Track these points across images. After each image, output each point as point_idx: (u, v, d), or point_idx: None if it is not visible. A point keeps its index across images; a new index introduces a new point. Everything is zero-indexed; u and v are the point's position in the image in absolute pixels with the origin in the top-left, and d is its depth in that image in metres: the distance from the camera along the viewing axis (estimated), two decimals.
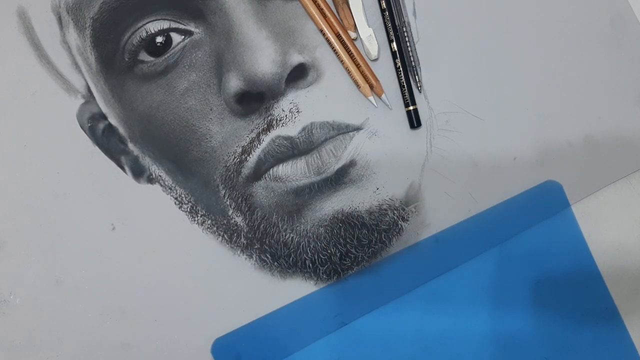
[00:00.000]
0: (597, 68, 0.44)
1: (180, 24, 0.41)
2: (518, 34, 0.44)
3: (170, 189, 0.43)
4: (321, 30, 0.42)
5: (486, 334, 0.42)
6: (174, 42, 0.41)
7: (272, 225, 0.42)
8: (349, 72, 0.42)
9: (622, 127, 0.44)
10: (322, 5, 0.42)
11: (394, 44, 0.43)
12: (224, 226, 0.42)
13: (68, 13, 0.42)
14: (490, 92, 0.43)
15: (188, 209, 0.43)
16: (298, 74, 0.42)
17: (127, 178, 0.43)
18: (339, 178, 0.42)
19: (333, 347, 0.42)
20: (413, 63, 0.43)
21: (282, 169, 0.42)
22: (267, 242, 0.42)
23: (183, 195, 0.43)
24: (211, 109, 0.42)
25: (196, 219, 0.43)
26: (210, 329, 0.42)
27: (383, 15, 0.43)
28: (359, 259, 0.42)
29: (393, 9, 0.43)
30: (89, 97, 0.43)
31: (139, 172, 0.43)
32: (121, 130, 0.43)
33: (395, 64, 0.43)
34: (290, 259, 0.42)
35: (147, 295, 0.42)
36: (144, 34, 0.41)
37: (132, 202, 0.43)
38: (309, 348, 0.42)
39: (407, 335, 0.42)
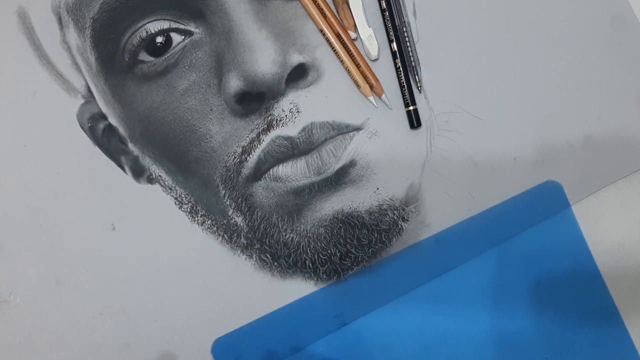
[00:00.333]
0: (597, 68, 0.44)
1: (180, 24, 0.41)
2: (518, 34, 0.44)
3: (170, 189, 0.43)
4: (321, 30, 0.42)
5: (486, 334, 0.42)
6: (174, 42, 0.41)
7: (272, 225, 0.42)
8: (349, 72, 0.42)
9: (622, 127, 0.44)
10: (322, 5, 0.42)
11: (394, 44, 0.43)
12: (224, 226, 0.42)
13: (68, 13, 0.42)
14: (490, 92, 0.43)
15: (188, 209, 0.43)
16: (298, 74, 0.42)
17: (127, 178, 0.43)
18: (339, 178, 0.42)
19: (333, 347, 0.42)
20: (413, 63, 0.43)
21: (282, 169, 0.42)
22: (267, 242, 0.42)
23: (183, 196, 0.43)
24: (211, 109, 0.42)
25: (196, 219, 0.43)
26: (210, 329, 0.42)
27: (383, 15, 0.43)
28: (359, 259, 0.42)
29: (393, 9, 0.43)
30: (89, 97, 0.43)
31: (139, 172, 0.43)
32: (121, 130, 0.43)
33: (395, 64, 0.43)
34: (290, 259, 0.42)
35: (147, 295, 0.42)
36: (144, 34, 0.41)
37: (132, 202, 0.43)
38: (309, 348, 0.42)
39: (407, 335, 0.42)
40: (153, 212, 0.43)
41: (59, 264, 0.43)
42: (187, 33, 0.41)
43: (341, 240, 0.42)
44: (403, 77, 0.42)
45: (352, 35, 0.43)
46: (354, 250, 0.42)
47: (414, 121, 0.42)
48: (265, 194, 0.42)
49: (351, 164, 0.42)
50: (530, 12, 0.44)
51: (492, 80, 0.43)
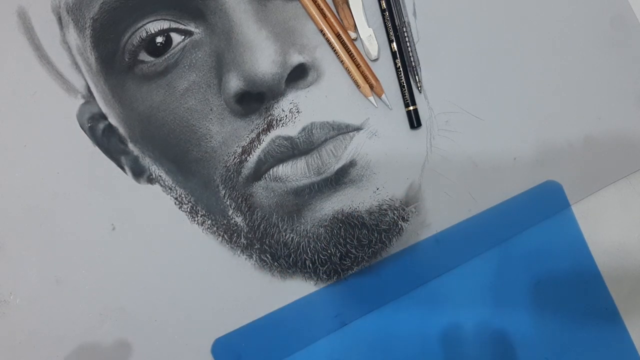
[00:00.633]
0: (597, 68, 0.44)
1: (180, 24, 0.41)
2: (518, 34, 0.44)
3: (170, 189, 0.43)
4: (321, 30, 0.42)
5: (486, 334, 0.42)
6: (174, 42, 0.41)
7: (272, 225, 0.42)
8: (349, 72, 0.42)
9: (622, 127, 0.44)
10: (322, 5, 0.42)
11: (394, 44, 0.43)
12: (224, 226, 0.42)
13: (68, 13, 0.42)
14: (490, 92, 0.43)
15: (188, 209, 0.43)
16: (298, 74, 0.42)
17: (127, 178, 0.43)
18: (339, 178, 0.42)
19: (333, 347, 0.42)
20: (413, 63, 0.43)
21: (282, 169, 0.42)
22: (267, 242, 0.42)
23: (183, 196, 0.43)
24: (211, 109, 0.42)
25: (196, 219, 0.43)
26: (210, 329, 0.42)
27: (383, 15, 0.43)
28: (359, 259, 0.42)
29: (393, 9, 0.43)
30: (89, 97, 0.43)
31: (139, 172, 0.43)
32: (121, 130, 0.43)
33: (395, 64, 0.43)
34: (290, 259, 0.42)
35: (147, 295, 0.42)
36: (144, 34, 0.41)
37: (132, 202, 0.43)
38: (309, 348, 0.42)
39: (407, 335, 0.42)
40: (153, 212, 0.43)
41: (59, 264, 0.43)
42: (187, 33, 0.41)
43: (341, 240, 0.42)
44: (403, 77, 0.42)
45: (352, 35, 0.43)
46: (354, 250, 0.42)
47: (414, 121, 0.42)
48: (265, 194, 0.42)
49: (351, 164, 0.42)
50: (530, 12, 0.44)
51: (492, 80, 0.43)
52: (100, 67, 0.42)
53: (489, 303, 0.43)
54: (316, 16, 0.42)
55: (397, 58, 0.43)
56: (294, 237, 0.42)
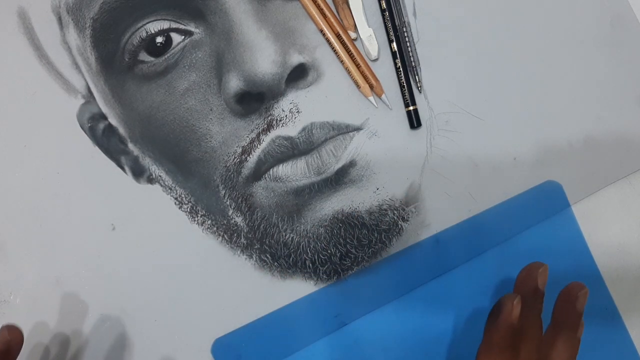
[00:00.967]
0: (597, 68, 0.44)
1: (180, 24, 0.41)
2: (518, 34, 0.44)
3: (170, 189, 0.43)
4: (321, 30, 0.42)
5: None
6: (174, 42, 0.41)
7: (272, 225, 0.42)
8: (349, 72, 0.42)
9: (622, 127, 0.44)
10: (322, 5, 0.42)
11: (394, 44, 0.43)
12: (224, 226, 0.42)
13: (68, 13, 0.42)
14: (490, 92, 0.43)
15: (188, 209, 0.43)
16: (298, 74, 0.42)
17: (127, 178, 0.43)
18: (339, 178, 0.42)
19: (333, 347, 0.42)
20: (413, 63, 0.43)
21: (282, 169, 0.42)
22: (267, 242, 0.42)
23: (183, 196, 0.43)
24: (211, 109, 0.42)
25: (196, 219, 0.43)
26: (210, 329, 0.42)
27: (383, 15, 0.43)
28: (359, 259, 0.42)
29: (393, 9, 0.43)
30: (89, 97, 0.43)
31: (139, 172, 0.43)
32: (121, 130, 0.43)
33: (395, 64, 0.43)
34: (290, 259, 0.42)
35: (147, 295, 0.42)
36: (144, 34, 0.41)
37: (132, 202, 0.43)
38: (309, 348, 0.42)
39: (407, 335, 0.42)
40: (153, 212, 0.43)
41: (59, 264, 0.43)
42: (187, 33, 0.41)
43: (341, 240, 0.42)
44: (403, 77, 0.42)
45: (352, 35, 0.43)
46: (354, 250, 0.42)
47: (414, 121, 0.42)
48: (265, 194, 0.42)
49: (351, 164, 0.42)
50: (530, 12, 0.44)
51: (492, 80, 0.43)
52: (100, 67, 0.42)
53: (489, 303, 0.43)
54: (316, 16, 0.42)
55: (397, 58, 0.43)
56: (294, 237, 0.42)
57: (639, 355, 0.42)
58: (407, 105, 0.43)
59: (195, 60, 0.42)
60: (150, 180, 0.43)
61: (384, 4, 0.43)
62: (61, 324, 0.42)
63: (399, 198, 0.42)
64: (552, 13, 0.44)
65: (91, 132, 0.43)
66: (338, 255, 0.42)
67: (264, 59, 0.40)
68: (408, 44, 0.43)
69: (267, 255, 0.42)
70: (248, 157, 0.42)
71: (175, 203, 0.43)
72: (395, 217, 0.42)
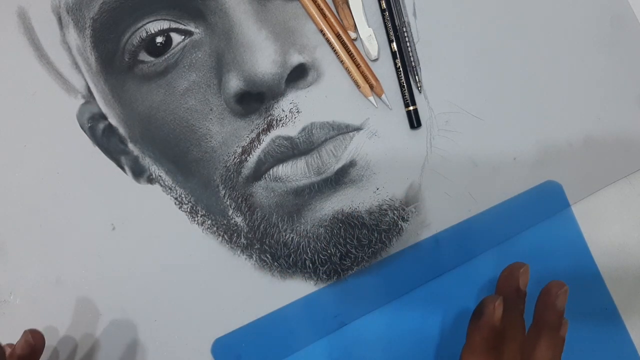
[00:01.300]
0: (597, 68, 0.44)
1: (180, 24, 0.41)
2: (518, 34, 0.44)
3: (170, 189, 0.43)
4: (321, 31, 0.42)
5: None
6: (174, 42, 0.41)
7: (272, 225, 0.42)
8: (349, 72, 0.42)
9: (622, 127, 0.44)
10: (322, 5, 0.42)
11: (394, 44, 0.43)
12: (224, 226, 0.42)
13: (68, 13, 0.42)
14: (490, 92, 0.43)
15: (188, 209, 0.43)
16: (298, 74, 0.42)
17: (127, 178, 0.43)
18: (339, 178, 0.42)
19: (333, 347, 0.42)
20: (413, 63, 0.43)
21: (282, 169, 0.42)
22: (267, 242, 0.42)
23: (183, 196, 0.43)
24: (211, 109, 0.42)
25: (196, 219, 0.43)
26: (210, 329, 0.42)
27: (383, 15, 0.43)
28: (359, 259, 0.42)
29: (393, 9, 0.43)
30: (89, 97, 0.43)
31: (139, 172, 0.43)
32: (121, 130, 0.43)
33: (395, 64, 0.43)
34: (290, 259, 0.42)
35: (147, 295, 0.42)
36: (144, 34, 0.41)
37: (132, 202, 0.43)
38: (309, 348, 0.42)
39: (407, 335, 0.42)
40: (153, 212, 0.43)
41: (59, 264, 0.43)
42: (187, 33, 0.41)
43: (341, 240, 0.42)
44: (403, 77, 0.42)
45: (352, 35, 0.43)
46: (354, 250, 0.42)
47: (414, 121, 0.42)
48: (265, 194, 0.42)
49: (351, 164, 0.42)
50: (530, 12, 0.44)
51: (492, 80, 0.43)
52: (100, 67, 0.42)
53: None
54: (316, 16, 0.42)
55: (397, 58, 0.43)
56: (294, 237, 0.42)
57: (639, 356, 0.42)
58: (407, 105, 0.43)
59: (195, 60, 0.42)
60: (150, 180, 0.43)
61: (384, 4, 0.43)
62: (61, 324, 0.42)
63: (399, 198, 0.42)
64: (552, 13, 0.44)
65: (91, 132, 0.43)
66: (338, 255, 0.42)
67: (264, 59, 0.40)
68: (408, 44, 0.43)
69: (267, 255, 0.42)
70: (248, 157, 0.42)
71: (175, 203, 0.43)
72: (395, 217, 0.42)
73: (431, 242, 0.42)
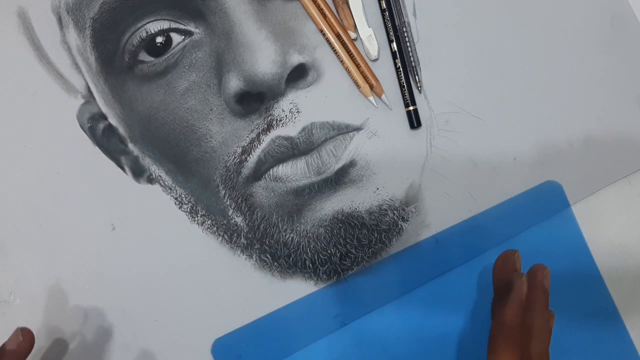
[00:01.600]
0: (597, 68, 0.44)
1: (180, 24, 0.41)
2: (518, 34, 0.44)
3: (170, 189, 0.43)
4: (321, 31, 0.42)
5: (486, 334, 0.42)
6: (174, 42, 0.41)
7: (272, 225, 0.42)
8: (349, 72, 0.42)
9: (622, 127, 0.44)
10: (322, 6, 0.42)
11: (394, 44, 0.43)
12: (224, 226, 0.42)
13: (68, 13, 0.42)
14: (490, 92, 0.43)
15: (188, 209, 0.43)
16: (298, 74, 0.42)
17: (127, 178, 0.43)
18: (339, 178, 0.42)
19: (333, 347, 0.42)
20: (413, 63, 0.43)
21: (282, 169, 0.42)
22: (267, 242, 0.42)
23: (183, 196, 0.43)
24: (211, 109, 0.42)
25: (196, 219, 0.43)
26: (210, 329, 0.42)
27: (383, 15, 0.43)
28: (359, 259, 0.42)
29: (393, 9, 0.43)
30: (89, 97, 0.43)
31: (139, 172, 0.43)
32: (121, 130, 0.43)
33: (395, 64, 0.43)
34: (290, 259, 0.42)
35: (147, 295, 0.42)
36: (144, 34, 0.41)
37: (132, 202, 0.43)
38: (309, 348, 0.42)
39: (407, 335, 0.42)
40: (153, 212, 0.43)
41: (59, 264, 0.43)
42: (187, 33, 0.41)
43: (341, 240, 0.42)
44: (403, 77, 0.42)
45: (352, 35, 0.43)
46: (354, 250, 0.42)
47: (414, 121, 0.42)
48: (265, 194, 0.42)
49: (351, 164, 0.42)
50: (530, 12, 0.44)
51: (492, 81, 0.43)
52: (100, 67, 0.42)
53: (489, 303, 0.42)
54: (316, 16, 0.42)
55: (397, 58, 0.43)
56: (294, 237, 0.42)
57: (639, 356, 0.42)
58: (407, 105, 0.43)
59: (195, 60, 0.42)
60: (150, 180, 0.43)
61: (384, 4, 0.43)
62: (61, 323, 0.42)
63: (399, 198, 0.42)
64: (552, 13, 0.44)
65: (91, 132, 0.43)
66: (338, 255, 0.42)
67: (264, 59, 0.40)
68: (408, 44, 0.43)
69: (267, 255, 0.42)
70: (248, 157, 0.42)
71: (175, 203, 0.43)
72: (395, 217, 0.42)
73: (431, 242, 0.42)
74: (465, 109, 0.43)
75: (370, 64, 0.43)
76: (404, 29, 0.43)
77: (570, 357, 0.42)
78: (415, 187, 0.43)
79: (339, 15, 0.43)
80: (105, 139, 0.43)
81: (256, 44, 0.40)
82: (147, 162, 0.43)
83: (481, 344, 0.42)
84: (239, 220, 0.42)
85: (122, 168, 0.43)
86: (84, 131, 0.43)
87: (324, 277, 0.42)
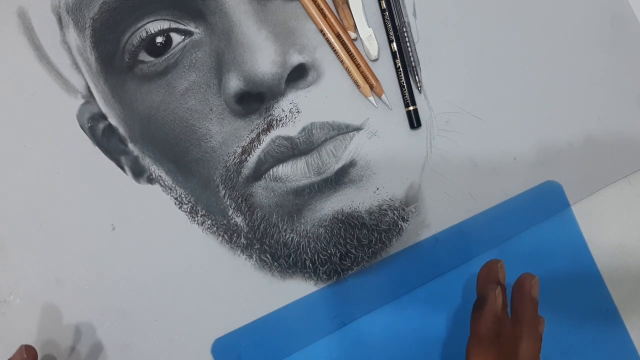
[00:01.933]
0: (597, 68, 0.44)
1: (180, 24, 0.41)
2: (518, 34, 0.44)
3: (170, 189, 0.43)
4: (321, 31, 0.42)
5: None
6: (174, 42, 0.41)
7: (272, 225, 0.42)
8: (349, 72, 0.42)
9: (622, 127, 0.44)
10: (322, 6, 0.42)
11: (394, 44, 0.43)
12: (224, 226, 0.42)
13: (68, 13, 0.42)
14: (490, 92, 0.43)
15: (188, 209, 0.43)
16: (298, 74, 0.42)
17: (127, 178, 0.43)
18: (339, 178, 0.42)
19: (333, 347, 0.42)
20: (413, 63, 0.43)
21: (282, 169, 0.42)
22: (267, 242, 0.42)
23: (183, 196, 0.43)
24: (211, 109, 0.42)
25: (196, 219, 0.43)
26: (210, 329, 0.42)
27: (383, 15, 0.43)
28: (359, 259, 0.42)
29: (393, 9, 0.43)
30: (89, 97, 0.43)
31: (139, 172, 0.43)
32: (121, 130, 0.43)
33: (395, 64, 0.43)
34: (290, 259, 0.42)
35: (147, 295, 0.42)
36: (144, 34, 0.41)
37: (132, 202, 0.43)
38: (309, 348, 0.42)
39: (407, 335, 0.42)
40: (153, 212, 0.43)
41: (59, 264, 0.43)
42: (187, 33, 0.41)
43: (341, 241, 0.42)
44: (403, 77, 0.42)
45: (352, 35, 0.43)
46: (354, 250, 0.42)
47: (414, 121, 0.42)
48: (265, 194, 0.42)
49: (351, 164, 0.42)
50: (530, 12, 0.44)
51: (492, 81, 0.43)
52: (100, 67, 0.42)
53: None
54: (316, 16, 0.42)
55: (397, 58, 0.43)
56: (294, 237, 0.42)
57: (639, 356, 0.42)
58: (407, 105, 0.43)
59: (195, 60, 0.42)
60: (150, 180, 0.43)
61: (384, 4, 0.43)
62: (61, 324, 0.42)
63: (399, 198, 0.42)
64: (552, 13, 0.44)
65: (91, 132, 0.43)
66: (338, 255, 0.42)
67: (264, 59, 0.40)
68: (408, 44, 0.43)
69: (267, 255, 0.42)
70: (248, 157, 0.42)
71: (175, 203, 0.43)
72: (395, 217, 0.42)
73: (431, 242, 0.42)
74: (465, 109, 0.43)
75: (370, 64, 0.43)
76: (404, 29, 0.43)
77: (570, 357, 0.42)
78: (415, 187, 0.43)
79: (339, 15, 0.43)
80: (105, 139, 0.43)
81: (256, 44, 0.41)
82: (147, 162, 0.43)
83: None
84: (239, 220, 0.42)
85: (122, 168, 0.43)
86: (84, 131, 0.43)
87: (324, 277, 0.42)
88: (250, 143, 0.42)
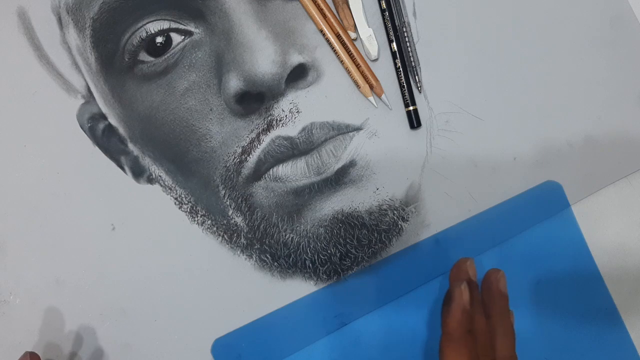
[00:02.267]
0: (597, 68, 0.44)
1: (180, 24, 0.41)
2: (518, 34, 0.44)
3: (170, 189, 0.43)
4: (321, 31, 0.42)
5: None
6: (174, 43, 0.41)
7: (272, 225, 0.42)
8: (349, 72, 0.42)
9: (622, 127, 0.44)
10: (322, 6, 0.42)
11: (394, 44, 0.43)
12: (224, 226, 0.43)
13: (68, 13, 0.42)
14: (490, 92, 0.43)
15: (188, 209, 0.43)
16: (298, 74, 0.42)
17: (127, 178, 0.43)
18: (339, 178, 0.42)
19: (333, 347, 0.42)
20: (413, 63, 0.43)
21: (282, 169, 0.42)
22: (267, 242, 0.42)
23: (183, 196, 0.43)
24: (211, 109, 0.42)
25: (196, 219, 0.43)
26: (210, 329, 0.42)
27: (383, 16, 0.43)
28: (359, 259, 0.42)
29: (393, 9, 0.43)
30: (89, 97, 0.43)
31: (139, 172, 0.43)
32: (121, 130, 0.43)
33: (395, 64, 0.43)
34: (290, 259, 0.42)
35: (147, 295, 0.42)
36: (144, 34, 0.41)
37: (132, 202, 0.43)
38: (309, 348, 0.42)
39: (407, 335, 0.42)
40: (153, 212, 0.43)
41: (59, 264, 0.43)
42: (187, 33, 0.41)
43: (341, 241, 0.42)
44: (403, 77, 0.42)
45: (352, 35, 0.43)
46: (354, 250, 0.42)
47: (414, 121, 0.42)
48: (265, 194, 0.42)
49: (351, 164, 0.42)
50: (530, 12, 0.44)
51: (492, 80, 0.43)
52: (100, 67, 0.42)
53: None
54: (316, 16, 0.42)
55: (397, 58, 0.43)
56: (294, 237, 0.42)
57: (639, 355, 0.42)
58: (407, 105, 0.43)
59: (195, 60, 0.42)
60: (150, 180, 0.43)
61: (384, 4, 0.43)
62: (61, 324, 0.42)
63: (399, 198, 0.42)
64: (552, 13, 0.44)
65: (91, 132, 0.43)
66: (338, 255, 0.42)
67: (264, 59, 0.40)
68: (408, 44, 0.43)
69: (267, 255, 0.42)
70: (248, 157, 0.42)
71: (175, 203, 0.43)
72: (395, 217, 0.42)
73: (431, 242, 0.42)
74: (465, 109, 0.43)
75: (370, 64, 0.43)
76: (404, 29, 0.43)
77: (570, 357, 0.42)
78: (415, 187, 0.43)
79: (339, 15, 0.43)
80: (105, 139, 0.43)
81: (256, 44, 0.41)
82: (147, 162, 0.43)
83: None
84: (239, 220, 0.42)
85: (122, 168, 0.43)
86: (84, 131, 0.43)
87: (324, 277, 0.42)
88: (250, 143, 0.42)
